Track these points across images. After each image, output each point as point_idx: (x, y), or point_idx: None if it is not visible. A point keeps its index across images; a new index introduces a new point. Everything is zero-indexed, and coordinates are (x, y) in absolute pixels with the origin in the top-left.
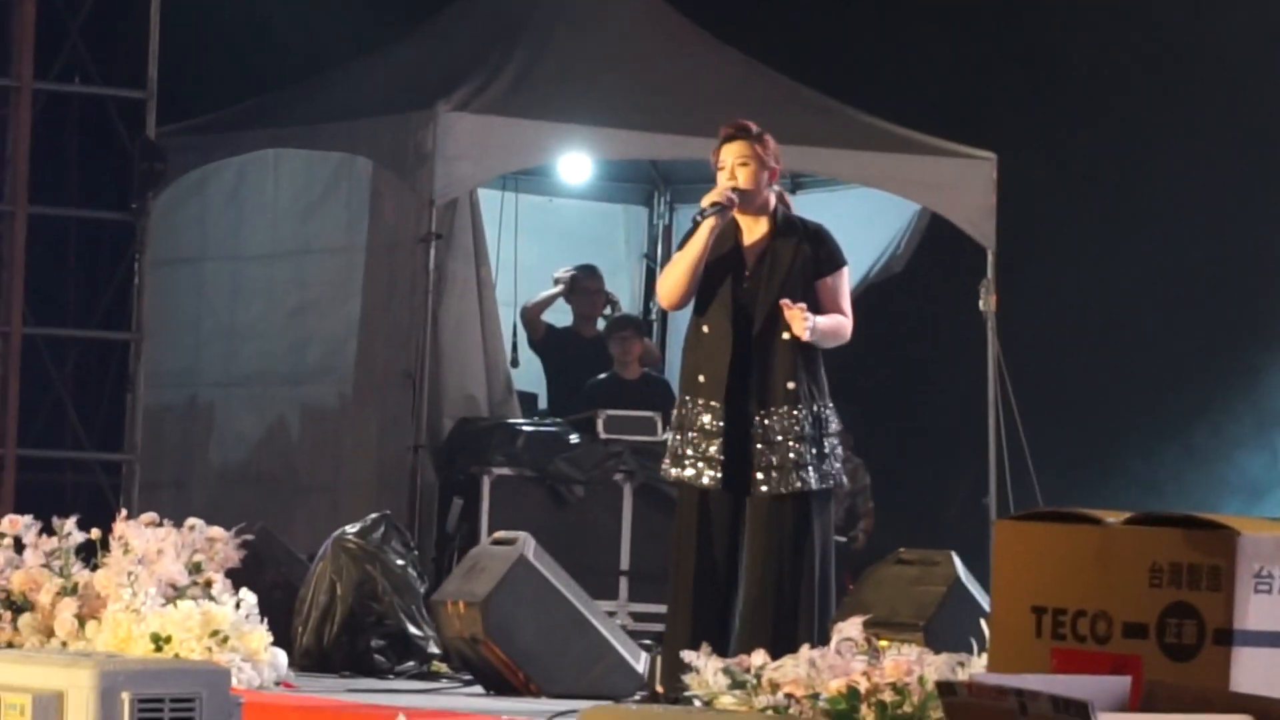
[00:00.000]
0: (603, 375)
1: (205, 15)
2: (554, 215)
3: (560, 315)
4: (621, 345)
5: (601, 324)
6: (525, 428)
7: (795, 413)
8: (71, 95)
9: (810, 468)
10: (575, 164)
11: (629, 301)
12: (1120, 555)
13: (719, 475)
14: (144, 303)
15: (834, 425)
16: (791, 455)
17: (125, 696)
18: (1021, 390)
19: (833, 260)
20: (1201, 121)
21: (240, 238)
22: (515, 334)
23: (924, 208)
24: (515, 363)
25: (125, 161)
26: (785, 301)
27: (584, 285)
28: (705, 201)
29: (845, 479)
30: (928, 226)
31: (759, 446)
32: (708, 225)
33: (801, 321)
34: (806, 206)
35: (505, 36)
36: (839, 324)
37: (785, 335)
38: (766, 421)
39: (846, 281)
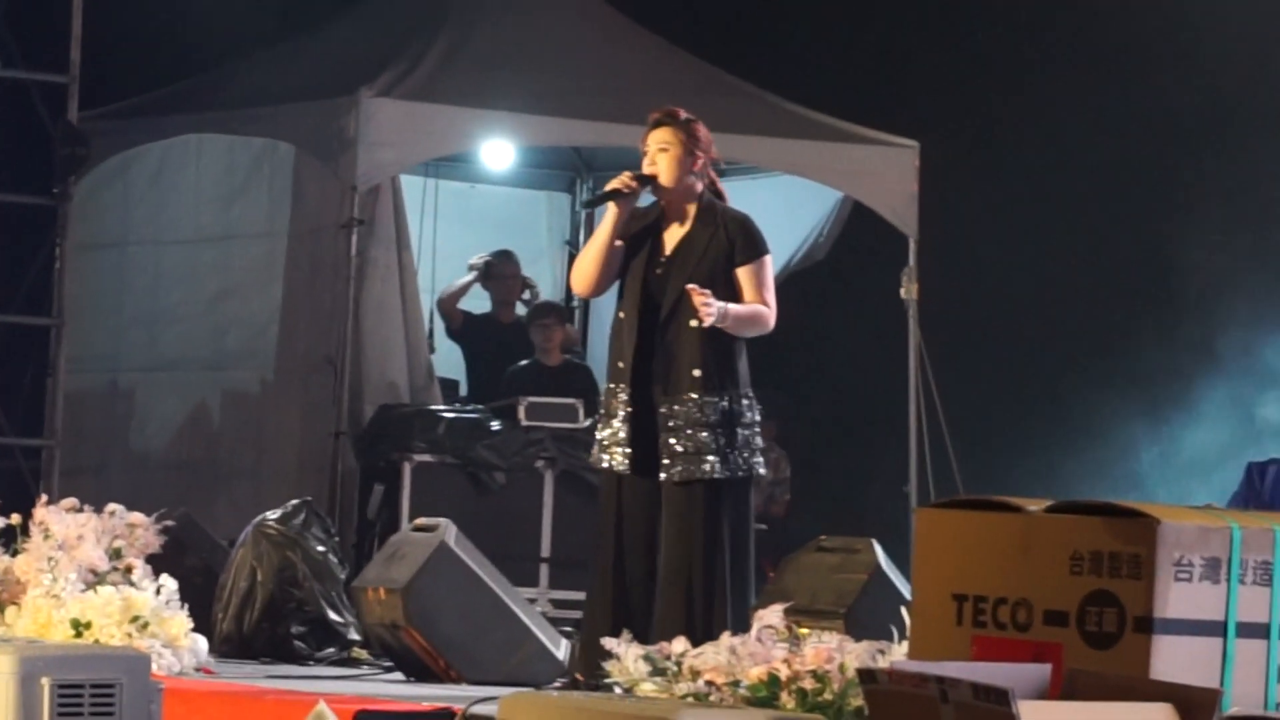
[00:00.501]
0: (524, 362)
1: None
2: (476, 201)
3: (479, 302)
4: (543, 332)
5: (521, 309)
6: (446, 414)
7: (701, 400)
8: None
9: (715, 456)
10: (497, 150)
11: (550, 288)
12: (1041, 543)
13: (630, 463)
14: (65, 287)
15: (750, 415)
16: (695, 443)
17: (45, 682)
18: (943, 378)
19: (751, 249)
20: (1122, 109)
21: (162, 222)
22: (431, 322)
23: (846, 195)
24: (432, 349)
25: (47, 146)
26: (692, 286)
27: (500, 270)
28: (608, 187)
29: (763, 469)
30: (850, 214)
31: (663, 434)
32: (612, 211)
33: (702, 306)
34: (729, 194)
35: (428, 23)
36: (756, 313)
37: (693, 322)
38: (675, 408)
39: (768, 270)
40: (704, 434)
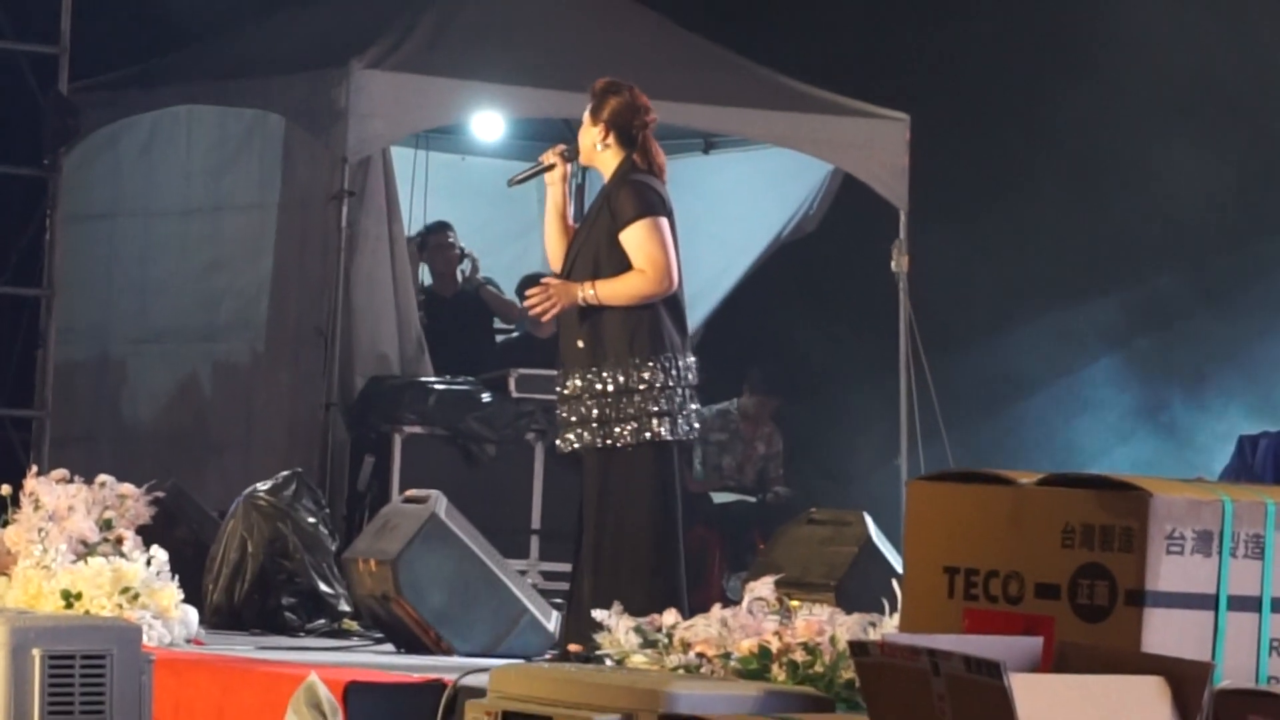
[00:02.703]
0: (515, 334)
1: None
2: (467, 173)
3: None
4: None
5: (460, 279)
6: (437, 386)
7: (584, 372)
8: None
9: (592, 425)
10: (488, 122)
11: (542, 260)
12: (1033, 516)
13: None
14: (56, 259)
15: (651, 381)
16: (579, 414)
17: (36, 653)
18: (933, 351)
19: (625, 213)
20: (1112, 83)
21: (153, 194)
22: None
23: (836, 168)
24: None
25: (38, 117)
26: (530, 291)
27: (435, 240)
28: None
29: (671, 435)
30: (840, 187)
31: (560, 406)
32: (549, 186)
33: (535, 308)
34: (719, 166)
35: None
36: (628, 281)
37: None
38: (567, 381)
39: (649, 232)
40: (589, 403)
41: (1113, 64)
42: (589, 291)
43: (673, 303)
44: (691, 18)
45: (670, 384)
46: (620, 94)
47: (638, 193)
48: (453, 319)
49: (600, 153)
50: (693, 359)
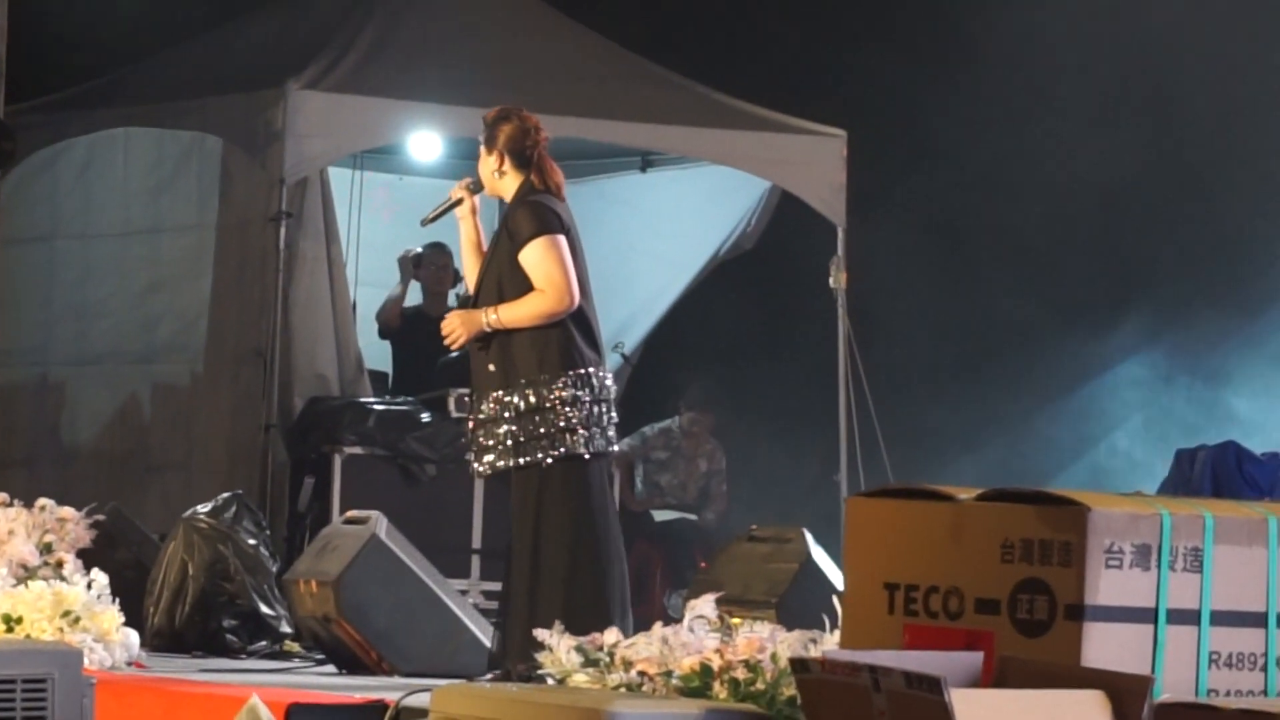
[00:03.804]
0: (454, 354)
1: None
2: (404, 193)
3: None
4: None
5: (453, 299)
6: (376, 406)
7: (499, 395)
8: None
9: (507, 445)
10: (425, 142)
11: None
12: (972, 531)
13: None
14: None
15: (562, 398)
16: (494, 436)
17: None
18: (872, 367)
19: (521, 233)
20: (1052, 98)
21: (91, 216)
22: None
23: (774, 185)
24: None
25: None
26: (444, 322)
27: (431, 259)
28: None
29: (586, 448)
30: (778, 203)
31: (476, 430)
32: (460, 217)
33: (446, 338)
34: (657, 184)
35: (356, 13)
36: (528, 303)
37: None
38: (482, 404)
39: (544, 251)
40: (502, 427)
41: (1055, 75)
42: (492, 317)
43: (581, 318)
44: (629, 36)
45: (585, 399)
46: (510, 120)
47: (533, 212)
48: (432, 338)
49: (500, 180)
50: (608, 373)
